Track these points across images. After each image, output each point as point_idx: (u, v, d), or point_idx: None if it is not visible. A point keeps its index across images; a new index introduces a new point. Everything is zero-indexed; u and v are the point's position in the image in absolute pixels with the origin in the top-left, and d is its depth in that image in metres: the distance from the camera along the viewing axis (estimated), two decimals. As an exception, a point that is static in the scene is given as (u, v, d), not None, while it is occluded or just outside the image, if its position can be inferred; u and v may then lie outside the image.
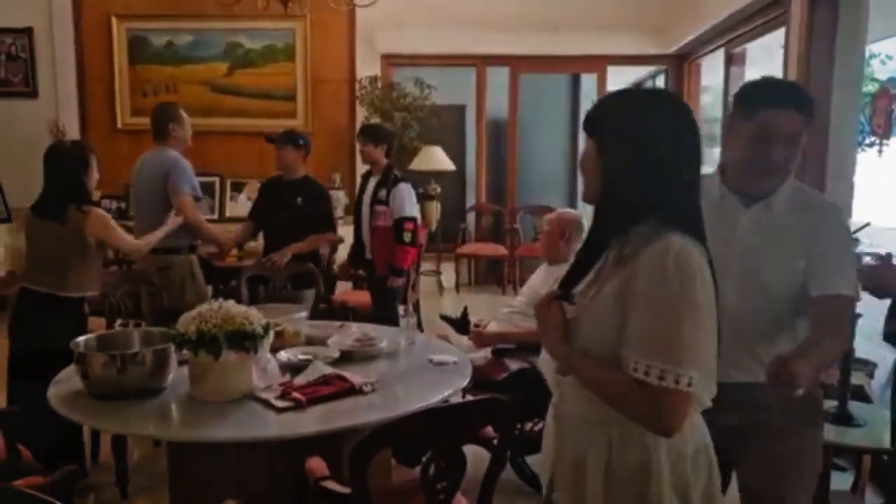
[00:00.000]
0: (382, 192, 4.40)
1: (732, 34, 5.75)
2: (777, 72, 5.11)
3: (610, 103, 1.53)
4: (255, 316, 2.37)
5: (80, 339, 2.49)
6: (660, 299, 1.35)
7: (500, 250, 7.56)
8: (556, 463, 1.57)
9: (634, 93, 1.65)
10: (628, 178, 1.42)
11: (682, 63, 7.31)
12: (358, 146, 4.63)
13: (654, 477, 1.41)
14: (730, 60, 6.04)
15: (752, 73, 6.63)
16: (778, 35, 5.05)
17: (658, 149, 1.41)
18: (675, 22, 6.76)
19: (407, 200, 4.37)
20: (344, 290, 5.48)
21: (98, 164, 3.35)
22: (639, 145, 1.42)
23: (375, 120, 7.03)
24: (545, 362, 1.69)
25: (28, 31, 7.24)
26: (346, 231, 6.76)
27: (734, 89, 6.02)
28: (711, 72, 7.19)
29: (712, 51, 6.47)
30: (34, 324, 3.17)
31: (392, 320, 3.82)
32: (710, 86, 7.50)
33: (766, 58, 6.28)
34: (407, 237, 4.33)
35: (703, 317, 1.36)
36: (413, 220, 4.38)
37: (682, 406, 1.36)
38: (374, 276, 4.45)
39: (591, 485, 1.45)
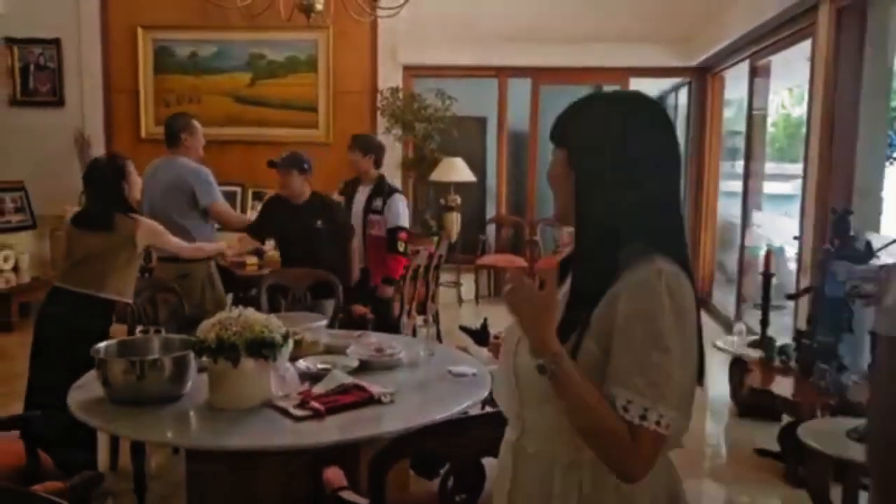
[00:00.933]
0: (377, 202, 4.49)
1: (757, 46, 5.70)
2: (803, 84, 5.05)
3: (583, 108, 1.38)
4: (274, 324, 2.36)
5: (101, 345, 2.49)
6: (651, 330, 1.21)
7: (520, 262, 7.51)
8: None
9: (609, 96, 1.48)
10: (608, 193, 1.29)
11: (705, 75, 7.26)
12: (349, 156, 4.66)
13: None
14: (754, 73, 5.99)
15: (776, 85, 6.58)
16: (803, 47, 5.00)
17: (639, 159, 1.29)
18: (699, 34, 6.71)
19: (402, 211, 4.50)
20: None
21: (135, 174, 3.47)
22: (618, 155, 1.29)
23: (396, 131, 7.05)
24: (503, 385, 1.42)
25: (56, 42, 7.36)
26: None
27: (759, 102, 5.99)
28: (734, 84, 7.14)
29: (736, 63, 6.41)
30: (61, 319, 3.24)
31: (391, 328, 3.85)
32: (732, 99, 7.44)
33: (789, 70, 6.23)
34: (400, 247, 4.45)
35: (691, 355, 1.26)
36: (406, 230, 4.53)
37: (655, 449, 1.22)
38: (368, 284, 4.47)
39: None
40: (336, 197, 4.74)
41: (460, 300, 7.40)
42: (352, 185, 4.73)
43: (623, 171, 1.29)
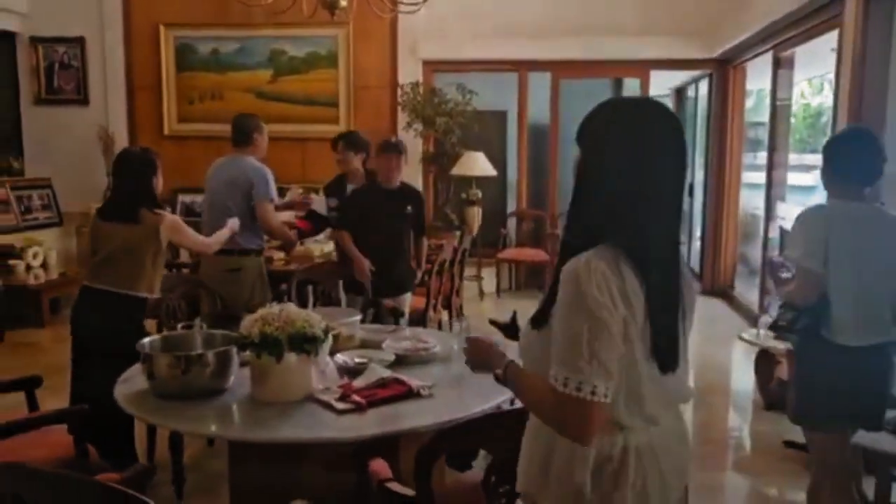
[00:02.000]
0: None
1: (781, 37, 5.67)
2: (824, 75, 5.03)
3: (594, 111, 1.50)
4: (315, 319, 2.40)
5: (146, 340, 2.55)
6: (564, 312, 1.39)
7: (541, 255, 7.54)
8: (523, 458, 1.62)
9: (618, 101, 1.61)
10: (593, 194, 1.45)
11: (726, 67, 7.23)
12: (336, 155, 4.60)
13: (553, 467, 1.48)
14: (778, 64, 5.96)
15: (800, 76, 6.55)
16: (828, 38, 4.97)
17: (617, 161, 1.42)
18: (721, 25, 6.69)
19: None
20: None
21: (171, 171, 3.46)
22: (607, 159, 1.43)
23: (417, 126, 7.08)
24: None
25: (80, 41, 7.45)
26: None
27: (782, 92, 5.96)
28: (754, 75, 7.11)
29: (759, 54, 6.38)
30: (97, 320, 3.25)
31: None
32: (751, 90, 7.41)
33: (809, 61, 6.20)
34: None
35: (603, 330, 1.36)
36: None
37: (585, 414, 1.37)
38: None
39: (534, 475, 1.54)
40: (321, 196, 4.70)
41: (482, 294, 7.44)
42: (338, 184, 4.64)
43: (599, 169, 1.44)
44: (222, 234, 3.77)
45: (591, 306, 1.36)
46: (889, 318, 2.53)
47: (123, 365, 2.90)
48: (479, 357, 1.69)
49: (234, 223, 3.87)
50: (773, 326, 2.89)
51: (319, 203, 4.69)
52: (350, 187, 4.53)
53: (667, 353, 1.45)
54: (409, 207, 4.22)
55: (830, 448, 2.63)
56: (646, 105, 1.56)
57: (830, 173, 2.62)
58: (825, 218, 2.56)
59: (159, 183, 3.40)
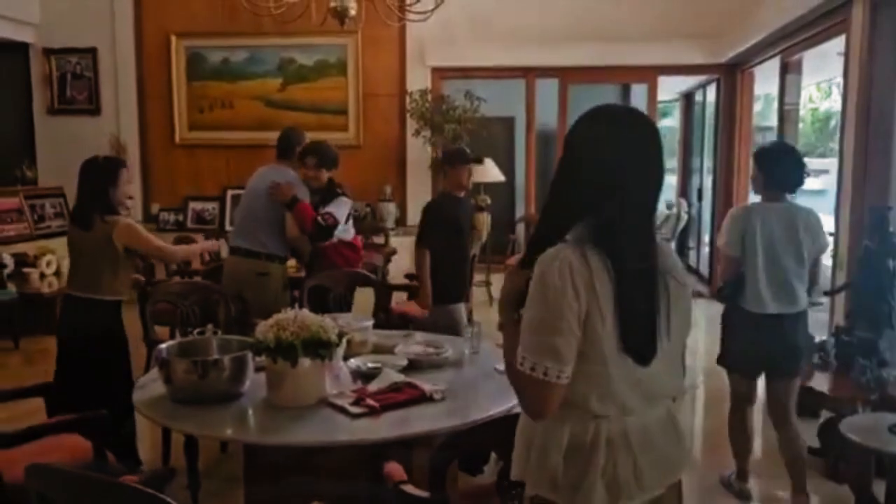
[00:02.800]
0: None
1: (788, 42, 5.69)
2: (832, 79, 5.07)
3: (579, 120, 1.61)
4: (329, 325, 2.44)
5: (163, 345, 2.59)
6: (529, 297, 1.49)
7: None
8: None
9: (599, 108, 1.64)
10: (561, 190, 1.56)
11: (734, 72, 7.25)
12: (307, 171, 4.28)
13: (533, 451, 1.55)
14: (785, 68, 5.98)
15: (808, 80, 6.56)
16: (836, 43, 4.99)
17: (595, 168, 1.51)
18: (729, 31, 6.71)
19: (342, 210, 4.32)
20: (398, 300, 5.55)
21: (129, 177, 3.53)
22: (581, 155, 1.54)
23: (426, 133, 7.12)
24: None
25: (92, 51, 7.54)
26: (397, 242, 6.87)
27: (790, 97, 5.97)
28: (762, 80, 7.13)
29: (767, 59, 6.40)
30: (75, 326, 3.37)
31: None
32: (759, 95, 7.43)
33: (817, 66, 6.22)
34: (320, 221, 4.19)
35: (559, 316, 1.44)
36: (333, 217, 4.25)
37: (540, 394, 1.46)
38: None
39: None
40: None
41: (491, 299, 7.45)
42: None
43: (574, 165, 1.55)
44: (193, 248, 3.89)
45: (550, 293, 1.45)
46: (799, 292, 3.15)
47: (101, 370, 2.97)
48: (505, 292, 1.64)
49: (212, 244, 4.03)
50: (714, 296, 3.53)
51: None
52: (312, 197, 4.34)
53: (641, 344, 1.50)
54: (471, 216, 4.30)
55: (740, 386, 3.41)
56: (619, 109, 1.67)
57: (762, 181, 3.20)
58: (745, 216, 3.18)
59: (121, 190, 3.42)
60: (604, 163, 1.51)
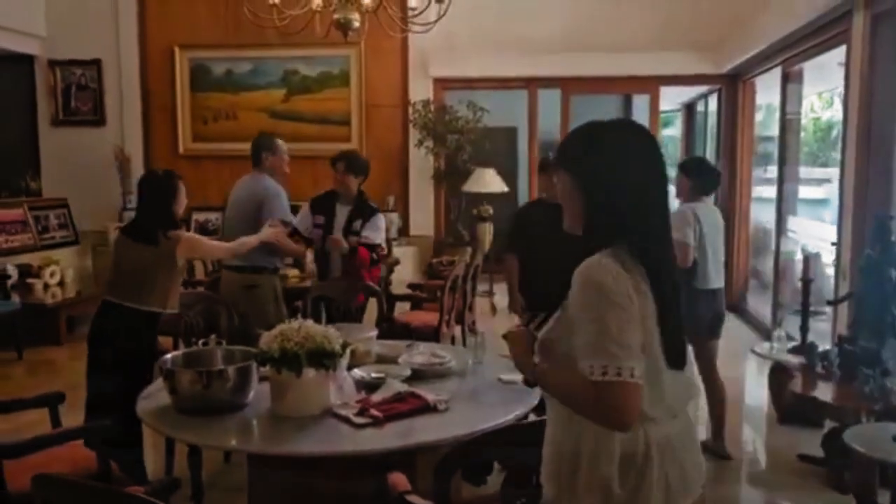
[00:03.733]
0: (357, 224, 4.40)
1: (789, 52, 5.72)
2: (833, 89, 5.08)
3: (581, 137, 1.61)
4: (333, 335, 2.45)
5: (168, 356, 2.60)
6: (587, 307, 1.47)
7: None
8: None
9: (604, 124, 1.65)
10: (601, 209, 1.56)
11: (736, 82, 7.27)
12: (336, 175, 4.44)
13: (582, 462, 1.53)
14: (787, 78, 6.00)
15: (809, 90, 6.58)
16: (837, 53, 5.01)
17: (628, 182, 1.54)
18: (730, 41, 6.74)
19: (381, 227, 4.47)
20: (401, 310, 5.56)
21: (186, 189, 3.58)
22: (608, 177, 1.54)
23: (428, 143, 7.15)
24: None
25: (97, 63, 7.59)
26: (399, 252, 6.88)
27: (792, 107, 6.00)
28: (763, 90, 7.15)
29: (768, 69, 6.43)
30: (111, 331, 3.35)
31: None
32: (761, 104, 7.45)
33: (819, 75, 6.24)
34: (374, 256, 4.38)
35: (626, 317, 1.45)
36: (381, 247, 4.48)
37: (627, 397, 1.44)
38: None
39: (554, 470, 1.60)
40: (307, 212, 4.55)
41: (494, 310, 7.44)
42: (327, 200, 4.53)
43: (608, 189, 1.55)
44: (248, 241, 3.85)
45: (612, 297, 1.45)
46: (723, 271, 4.05)
47: (133, 379, 2.98)
48: (517, 354, 1.68)
49: (267, 233, 3.91)
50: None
51: (303, 216, 4.53)
52: (341, 206, 4.45)
53: (677, 350, 1.54)
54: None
55: (699, 347, 3.88)
56: (627, 125, 1.72)
57: (691, 186, 3.99)
58: (693, 214, 3.89)
59: (181, 205, 3.49)
60: (635, 179, 1.54)
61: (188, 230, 7.52)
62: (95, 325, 3.44)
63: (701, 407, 4.21)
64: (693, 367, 1.65)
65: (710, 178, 4.05)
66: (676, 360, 1.54)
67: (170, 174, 3.55)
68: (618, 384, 1.43)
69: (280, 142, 4.40)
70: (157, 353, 3.38)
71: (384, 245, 4.46)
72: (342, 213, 4.43)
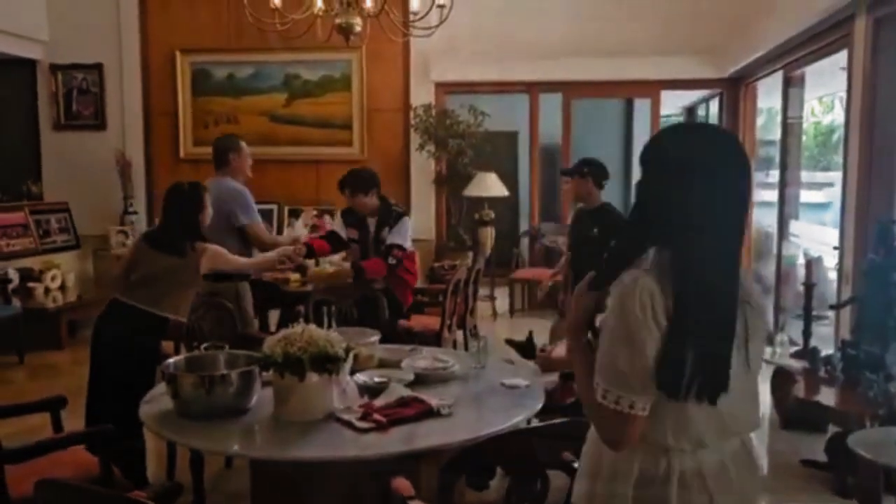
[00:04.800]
0: (384, 232, 4.42)
1: (791, 57, 5.72)
2: (834, 93, 5.08)
3: (659, 135, 1.59)
4: (336, 340, 2.44)
5: (171, 360, 2.59)
6: (609, 326, 1.43)
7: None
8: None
9: (670, 130, 1.63)
10: (645, 209, 1.49)
11: (737, 86, 7.27)
12: (348, 200, 4.44)
13: (599, 480, 1.51)
14: (788, 82, 6.00)
15: (810, 94, 6.58)
16: (838, 57, 5.01)
17: (684, 189, 1.42)
18: (731, 45, 6.74)
19: (406, 232, 4.49)
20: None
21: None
22: (666, 183, 1.45)
23: (430, 147, 7.15)
24: None
25: (98, 67, 7.58)
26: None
27: (793, 111, 6.00)
28: (764, 93, 7.15)
29: (770, 74, 6.43)
30: (119, 331, 3.36)
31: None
32: (762, 108, 7.45)
33: (820, 80, 6.24)
34: (392, 261, 4.38)
35: (641, 349, 1.38)
36: (402, 248, 4.45)
37: (622, 426, 1.41)
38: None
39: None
40: (341, 223, 4.59)
41: (495, 314, 7.45)
42: (353, 213, 4.53)
43: (659, 191, 1.47)
44: (269, 256, 3.91)
45: (632, 325, 1.39)
46: None
47: (135, 382, 2.98)
48: (576, 316, 1.56)
49: (282, 252, 3.91)
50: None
51: (339, 225, 4.60)
52: (370, 218, 4.46)
53: (711, 378, 1.41)
54: (594, 230, 4.36)
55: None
56: (708, 128, 1.66)
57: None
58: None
59: (206, 216, 3.53)
60: (693, 185, 1.42)
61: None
62: (103, 325, 3.45)
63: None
64: (751, 395, 1.54)
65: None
66: (711, 389, 1.41)
67: (195, 185, 3.57)
68: (614, 412, 1.41)
69: (242, 142, 4.40)
70: (160, 358, 3.39)
71: (407, 247, 4.45)
72: (371, 225, 4.48)
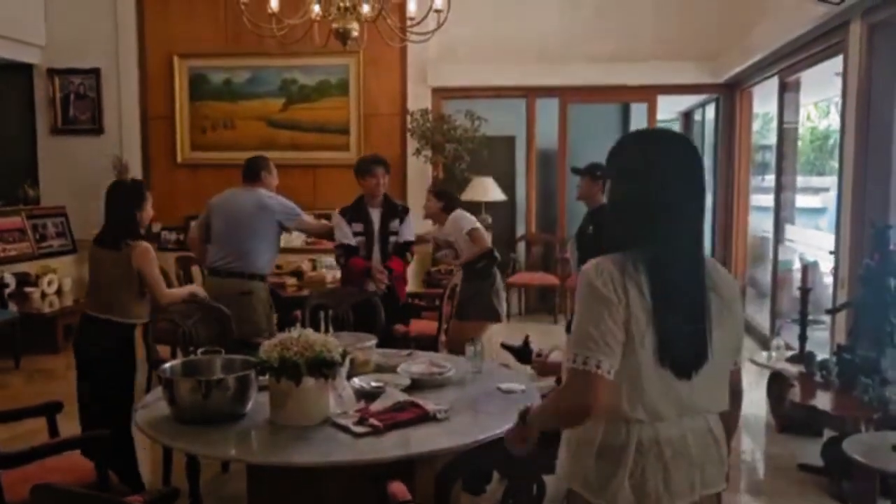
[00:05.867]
0: (395, 223, 4.56)
1: (787, 62, 5.74)
2: (830, 98, 5.09)
3: (622, 142, 1.74)
4: (332, 344, 2.44)
5: (167, 365, 2.59)
6: (578, 302, 1.60)
7: (551, 280, 7.57)
8: None
9: (631, 136, 1.85)
10: (623, 208, 1.67)
11: (733, 91, 7.30)
12: (379, 178, 4.55)
13: (570, 447, 1.67)
14: (784, 88, 6.03)
15: (806, 99, 6.61)
16: (834, 63, 5.03)
17: (644, 189, 1.61)
18: (727, 51, 6.77)
19: (413, 226, 4.72)
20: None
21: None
22: (627, 182, 1.67)
23: (427, 152, 7.15)
24: None
25: (95, 72, 7.59)
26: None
27: (789, 116, 6.02)
28: (760, 99, 7.18)
29: (765, 79, 6.45)
30: (89, 347, 3.43)
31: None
32: (758, 113, 7.48)
33: (815, 85, 6.26)
34: (409, 259, 4.69)
35: (606, 315, 1.54)
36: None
37: (590, 385, 1.53)
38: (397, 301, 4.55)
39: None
40: (341, 221, 4.57)
41: (492, 318, 7.44)
42: (359, 208, 4.59)
43: (621, 191, 1.68)
44: (183, 290, 3.92)
45: (597, 296, 1.55)
46: None
47: (114, 390, 3.00)
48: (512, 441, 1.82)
49: (190, 290, 3.93)
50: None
51: (341, 233, 4.53)
52: (373, 210, 4.55)
53: (679, 358, 1.57)
54: (590, 228, 4.51)
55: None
56: (666, 134, 1.82)
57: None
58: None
59: (146, 214, 3.54)
60: (654, 188, 1.60)
61: (185, 238, 7.56)
62: (77, 340, 3.54)
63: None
64: (715, 379, 1.65)
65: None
66: (680, 369, 1.57)
67: (138, 183, 3.63)
68: (581, 372, 1.53)
69: (272, 163, 4.57)
70: (133, 365, 3.45)
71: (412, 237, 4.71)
72: (376, 216, 4.56)
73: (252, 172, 4.45)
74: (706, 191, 1.68)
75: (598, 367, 1.52)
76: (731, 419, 1.75)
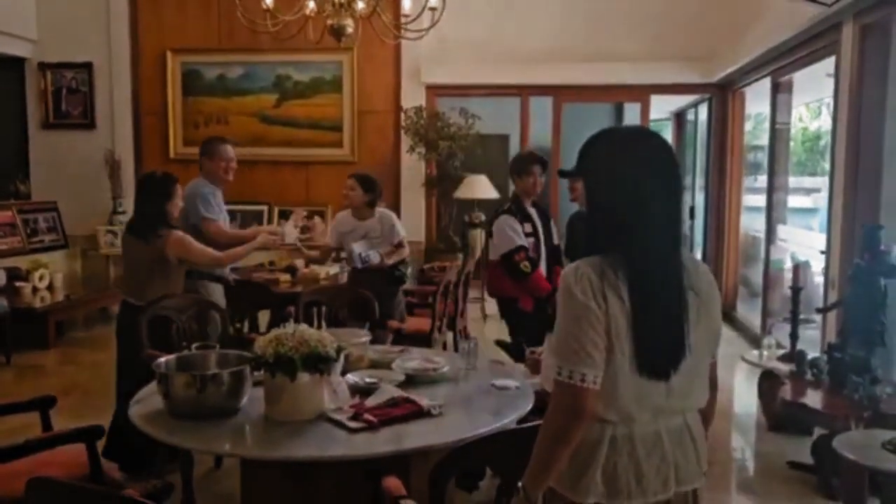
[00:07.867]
0: (551, 225, 4.51)
1: (779, 63, 5.77)
2: (821, 99, 5.13)
3: (593, 143, 1.70)
4: (327, 340, 2.45)
5: (161, 360, 2.59)
6: (559, 312, 1.59)
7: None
8: None
9: (602, 134, 1.74)
10: (597, 210, 1.66)
11: (726, 91, 7.33)
12: (536, 177, 4.27)
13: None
14: (776, 88, 6.06)
15: (798, 100, 6.64)
16: (826, 64, 5.07)
17: (620, 190, 1.59)
18: (720, 51, 6.80)
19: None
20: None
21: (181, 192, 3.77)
22: (603, 183, 1.64)
23: (420, 149, 7.16)
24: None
25: (88, 66, 7.56)
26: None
27: (781, 117, 6.05)
28: (752, 99, 7.21)
29: (758, 79, 6.49)
30: (128, 332, 3.50)
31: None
32: (750, 114, 7.51)
33: (807, 86, 6.30)
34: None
35: (587, 326, 1.53)
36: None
37: (577, 398, 1.53)
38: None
39: None
40: (511, 221, 4.38)
41: (484, 316, 7.46)
42: (522, 209, 4.34)
43: (597, 192, 1.66)
44: (238, 251, 3.93)
45: (578, 305, 1.54)
46: None
47: (134, 377, 3.01)
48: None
49: (252, 243, 3.97)
50: None
51: (517, 235, 4.21)
52: (529, 210, 4.39)
53: (655, 360, 1.56)
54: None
55: None
56: (635, 133, 1.76)
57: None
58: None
59: (175, 206, 3.66)
60: (629, 188, 1.58)
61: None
62: (117, 325, 3.70)
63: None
64: (694, 377, 1.65)
65: None
66: (655, 371, 1.57)
67: (168, 176, 3.69)
68: (568, 386, 1.54)
69: (223, 146, 4.31)
70: (143, 347, 3.47)
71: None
72: (535, 216, 4.43)
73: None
74: (683, 188, 1.68)
75: (583, 380, 1.53)
76: (708, 409, 1.75)
